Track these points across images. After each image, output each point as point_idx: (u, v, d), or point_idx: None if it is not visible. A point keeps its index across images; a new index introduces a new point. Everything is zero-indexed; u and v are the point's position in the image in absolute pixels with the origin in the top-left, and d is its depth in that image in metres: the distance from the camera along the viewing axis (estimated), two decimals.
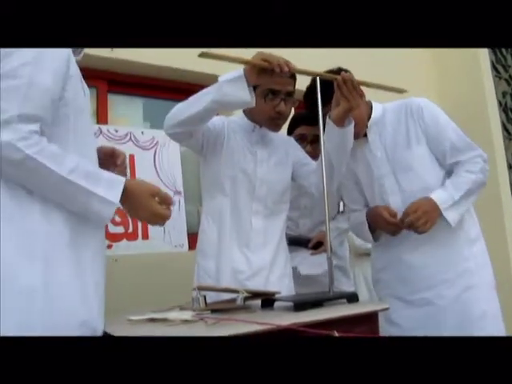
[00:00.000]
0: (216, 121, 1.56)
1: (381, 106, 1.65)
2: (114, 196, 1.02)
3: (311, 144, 1.88)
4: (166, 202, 1.11)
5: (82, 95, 1.09)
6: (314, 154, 1.78)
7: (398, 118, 1.62)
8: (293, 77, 1.54)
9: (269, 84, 1.47)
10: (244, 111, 1.65)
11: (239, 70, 1.32)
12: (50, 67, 0.99)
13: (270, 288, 1.47)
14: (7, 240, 0.94)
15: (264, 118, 1.57)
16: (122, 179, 1.05)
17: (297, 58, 1.45)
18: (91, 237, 1.06)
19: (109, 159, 1.26)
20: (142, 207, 1.07)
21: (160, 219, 1.10)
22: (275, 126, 1.60)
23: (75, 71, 1.07)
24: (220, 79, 1.35)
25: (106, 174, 1.05)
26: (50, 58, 0.99)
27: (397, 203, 1.56)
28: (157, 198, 1.10)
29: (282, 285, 1.54)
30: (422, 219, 1.45)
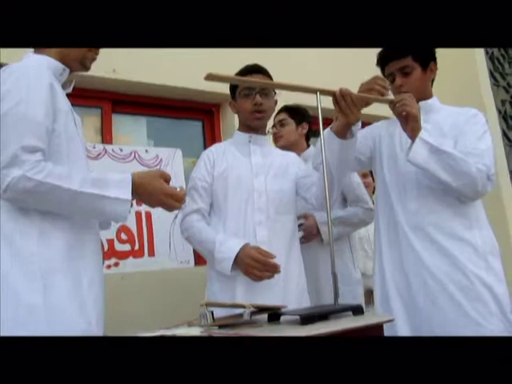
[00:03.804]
0: (205, 176, 1.65)
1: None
2: (126, 193, 1.09)
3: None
4: (176, 197, 1.16)
5: (72, 125, 1.18)
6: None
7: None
8: (266, 74, 1.63)
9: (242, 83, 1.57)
10: (239, 126, 1.72)
11: (228, 263, 1.49)
12: (41, 103, 1.07)
13: (290, 297, 1.51)
14: (7, 261, 1.01)
15: (246, 114, 1.65)
16: (129, 175, 1.12)
17: (298, 58, 1.48)
18: (88, 253, 1.13)
19: None
20: (154, 191, 1.14)
21: (174, 199, 1.15)
22: (256, 120, 1.64)
23: (64, 104, 1.15)
24: (216, 263, 1.54)
25: (111, 175, 1.12)
26: (38, 96, 1.07)
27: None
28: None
29: (301, 300, 1.57)
30: (405, 100, 1.44)
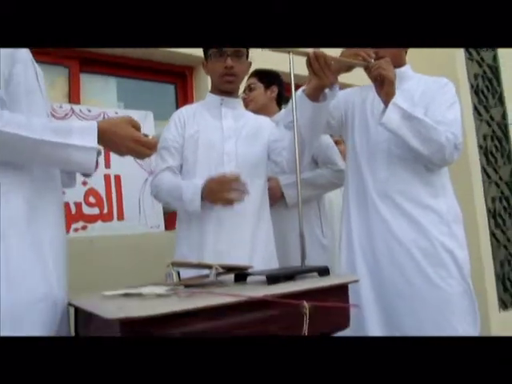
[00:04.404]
0: (176, 137, 1.62)
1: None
2: (91, 141, 1.03)
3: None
4: (148, 145, 1.10)
5: (33, 76, 1.11)
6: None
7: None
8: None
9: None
10: (211, 88, 1.69)
11: (197, 193, 1.48)
12: None
13: (258, 259, 1.51)
14: None
15: (216, 77, 1.62)
16: (94, 122, 1.06)
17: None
18: (50, 214, 1.08)
19: None
20: (123, 137, 1.07)
21: (144, 147, 1.09)
22: (227, 83, 1.61)
23: (24, 53, 1.08)
24: (185, 204, 1.51)
25: (76, 123, 1.07)
26: None
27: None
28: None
29: (270, 263, 1.57)
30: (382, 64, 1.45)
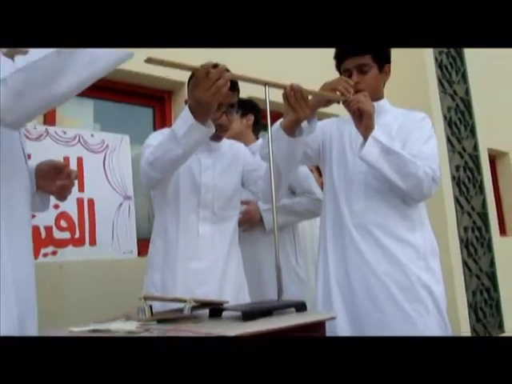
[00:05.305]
0: None
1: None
2: None
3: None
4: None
5: None
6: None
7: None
8: (235, 88, 1.53)
9: None
10: None
11: (186, 114, 1.28)
12: None
13: (227, 291, 1.48)
14: None
15: None
16: None
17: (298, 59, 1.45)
18: (17, 239, 1.02)
19: (55, 173, 1.21)
20: None
21: None
22: (217, 138, 1.59)
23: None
24: (176, 131, 1.30)
25: None
26: None
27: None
28: None
29: (238, 296, 1.54)
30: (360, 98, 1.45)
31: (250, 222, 1.90)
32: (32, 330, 1.03)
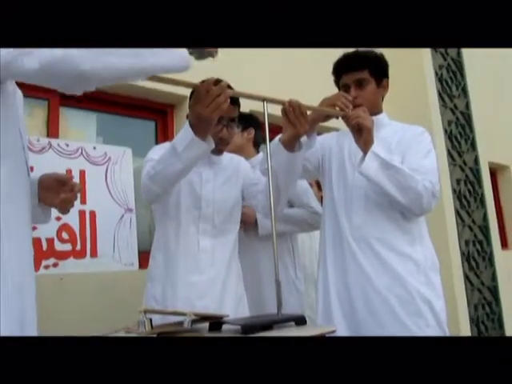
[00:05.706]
0: None
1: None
2: None
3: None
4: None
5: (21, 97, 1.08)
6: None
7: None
8: (236, 103, 1.55)
9: None
10: None
11: (187, 129, 1.30)
12: None
13: (227, 304, 1.48)
14: None
15: None
16: None
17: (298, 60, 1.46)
18: (17, 251, 0.99)
19: (59, 186, 1.22)
20: None
21: None
22: (218, 152, 1.61)
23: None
24: (176, 146, 1.32)
25: None
26: None
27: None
28: None
29: (238, 309, 1.55)
30: (359, 113, 1.46)
31: (244, 223, 1.90)
32: (32, 331, 1.03)
